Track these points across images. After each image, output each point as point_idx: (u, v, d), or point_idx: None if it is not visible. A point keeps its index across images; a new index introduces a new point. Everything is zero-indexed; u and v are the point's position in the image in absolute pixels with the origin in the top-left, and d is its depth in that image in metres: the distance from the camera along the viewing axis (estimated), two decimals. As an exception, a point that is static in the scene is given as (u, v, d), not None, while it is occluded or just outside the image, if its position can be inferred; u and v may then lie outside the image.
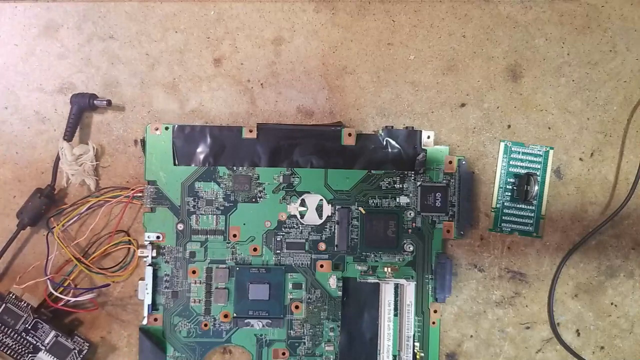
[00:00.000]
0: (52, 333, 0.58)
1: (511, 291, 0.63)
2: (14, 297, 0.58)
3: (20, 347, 0.58)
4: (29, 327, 0.58)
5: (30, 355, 0.58)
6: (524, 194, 0.61)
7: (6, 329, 0.58)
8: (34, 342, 0.58)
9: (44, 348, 0.58)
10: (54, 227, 0.59)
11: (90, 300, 0.59)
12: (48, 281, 0.57)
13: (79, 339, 0.59)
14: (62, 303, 0.58)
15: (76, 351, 0.58)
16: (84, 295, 0.58)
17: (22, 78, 0.62)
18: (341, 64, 0.63)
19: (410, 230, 0.60)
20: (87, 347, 0.59)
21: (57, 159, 0.60)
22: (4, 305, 0.57)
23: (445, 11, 0.63)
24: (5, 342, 0.58)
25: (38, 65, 0.62)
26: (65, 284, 0.59)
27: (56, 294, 0.57)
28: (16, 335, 0.58)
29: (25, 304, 0.58)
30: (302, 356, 0.60)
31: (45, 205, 0.59)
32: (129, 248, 0.60)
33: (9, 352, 0.58)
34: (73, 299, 0.58)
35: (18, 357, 0.58)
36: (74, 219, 0.60)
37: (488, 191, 0.63)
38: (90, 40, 0.62)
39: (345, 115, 0.62)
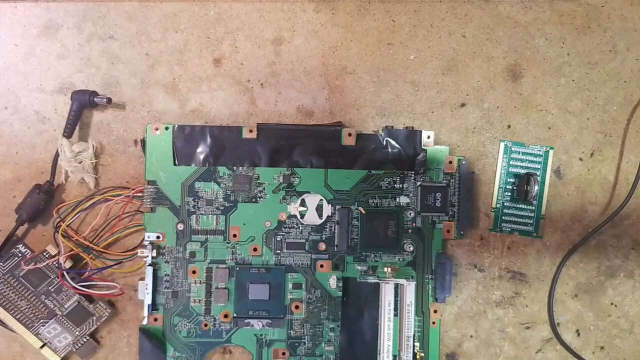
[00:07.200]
0: (76, 297, 0.59)
1: (511, 291, 0.63)
2: (47, 255, 0.58)
3: (34, 310, 0.58)
4: (52, 290, 0.58)
5: (41, 321, 0.58)
6: (524, 194, 0.61)
7: (24, 289, 0.58)
8: (51, 307, 0.58)
9: (60, 313, 0.58)
10: (57, 219, 0.58)
11: (112, 285, 0.60)
12: (64, 273, 0.58)
13: (101, 305, 0.59)
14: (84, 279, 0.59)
15: (95, 317, 0.59)
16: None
17: (22, 78, 0.62)
18: (341, 64, 0.63)
19: (410, 230, 0.60)
20: (107, 314, 0.59)
21: (57, 155, 0.60)
22: (33, 263, 0.58)
23: (445, 11, 0.63)
24: (19, 305, 0.58)
25: (38, 65, 0.62)
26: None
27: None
28: (34, 297, 0.58)
29: (56, 265, 0.58)
30: (302, 356, 0.60)
31: (43, 202, 0.59)
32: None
33: (19, 316, 0.58)
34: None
35: (28, 323, 0.58)
36: (77, 215, 0.60)
37: (488, 191, 0.63)
38: (90, 40, 0.62)
39: (345, 115, 0.62)
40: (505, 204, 0.62)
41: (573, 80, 0.63)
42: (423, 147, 0.61)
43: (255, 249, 0.60)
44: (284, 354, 0.60)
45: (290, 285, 0.60)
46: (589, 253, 0.63)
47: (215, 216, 0.60)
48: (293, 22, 0.62)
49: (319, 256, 0.60)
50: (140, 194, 0.59)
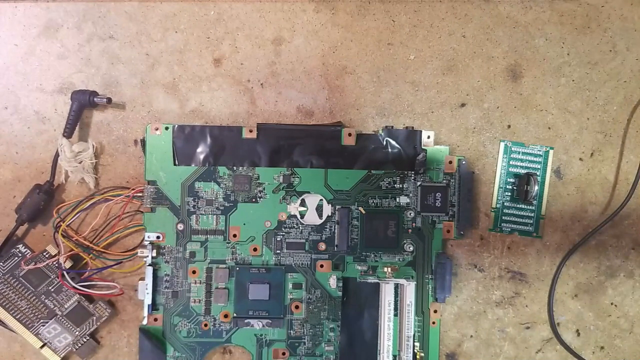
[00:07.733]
0: (76, 297, 0.59)
1: (511, 291, 0.63)
2: (47, 255, 0.58)
3: (34, 310, 0.58)
4: (52, 290, 0.58)
5: (41, 321, 0.58)
6: (524, 194, 0.61)
7: (24, 289, 0.58)
8: (51, 307, 0.58)
9: (60, 313, 0.58)
10: (57, 219, 0.58)
11: (112, 285, 0.60)
12: (64, 273, 0.58)
13: (101, 305, 0.59)
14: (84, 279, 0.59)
15: (95, 317, 0.59)
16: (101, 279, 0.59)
17: (22, 78, 0.62)
18: (341, 64, 0.63)
19: (410, 230, 0.60)
20: (107, 314, 0.59)
21: (57, 155, 0.60)
22: (33, 263, 0.58)
23: (445, 11, 0.63)
24: (19, 305, 0.58)
25: (38, 65, 0.62)
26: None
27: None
28: (34, 297, 0.58)
29: (56, 265, 0.58)
30: (302, 356, 0.60)
31: (43, 202, 0.59)
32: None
33: (19, 316, 0.58)
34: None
35: (28, 323, 0.58)
36: (77, 215, 0.60)
37: (488, 191, 0.63)
38: (90, 40, 0.62)
39: (345, 115, 0.62)
40: (505, 204, 0.62)
41: (573, 80, 0.63)
42: (423, 147, 0.61)
43: (255, 249, 0.60)
44: (284, 354, 0.60)
45: (290, 285, 0.60)
46: (589, 253, 0.63)
47: (215, 216, 0.60)
48: (293, 22, 0.62)
49: (319, 256, 0.60)
50: (140, 194, 0.59)
